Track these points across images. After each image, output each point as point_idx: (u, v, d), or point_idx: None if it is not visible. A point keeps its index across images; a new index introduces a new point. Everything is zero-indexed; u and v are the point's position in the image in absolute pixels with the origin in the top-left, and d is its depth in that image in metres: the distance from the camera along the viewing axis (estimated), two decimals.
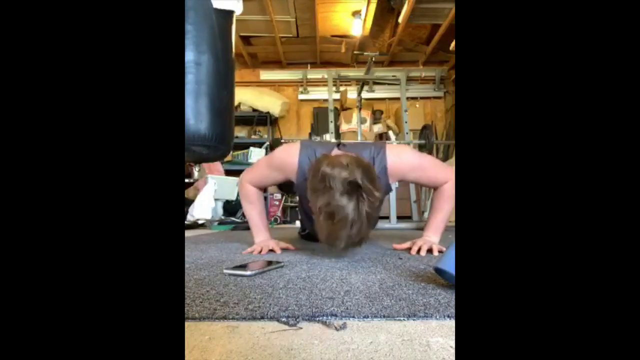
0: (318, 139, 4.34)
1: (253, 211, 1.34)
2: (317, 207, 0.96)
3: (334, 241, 0.96)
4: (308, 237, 1.58)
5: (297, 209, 3.81)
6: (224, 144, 1.24)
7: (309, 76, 4.79)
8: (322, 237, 1.00)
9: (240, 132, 4.58)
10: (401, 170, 1.22)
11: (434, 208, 1.27)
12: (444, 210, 1.24)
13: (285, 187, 1.50)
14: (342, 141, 1.47)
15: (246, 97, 4.44)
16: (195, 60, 1.11)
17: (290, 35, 4.30)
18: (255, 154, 4.20)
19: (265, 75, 5.01)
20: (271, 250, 1.21)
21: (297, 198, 1.75)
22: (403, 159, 1.22)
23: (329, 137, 3.42)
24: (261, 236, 1.31)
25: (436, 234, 1.24)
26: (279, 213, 4.31)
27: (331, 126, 3.39)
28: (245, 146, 4.33)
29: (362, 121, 4.10)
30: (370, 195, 0.93)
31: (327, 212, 0.93)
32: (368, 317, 0.50)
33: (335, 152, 1.18)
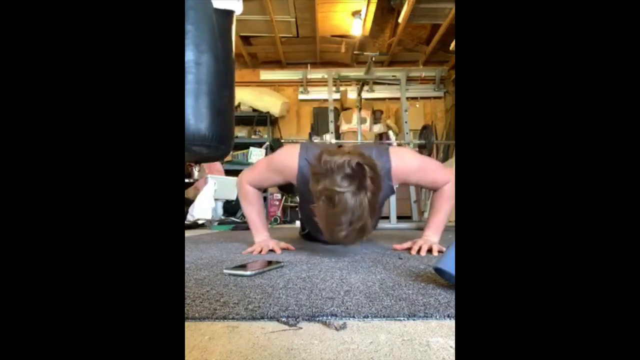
0: (318, 139, 4.34)
1: (252, 212, 1.34)
2: (317, 191, 0.94)
3: (334, 228, 0.94)
4: (308, 237, 1.58)
5: (297, 209, 3.81)
6: (225, 143, 1.24)
7: (309, 76, 4.78)
8: (323, 226, 0.98)
9: (240, 132, 4.57)
10: (404, 172, 1.23)
11: (434, 208, 1.27)
12: (444, 210, 1.25)
13: (286, 188, 1.50)
14: (343, 141, 1.48)
15: (246, 97, 4.44)
16: (196, 60, 1.11)
17: (290, 35, 4.31)
18: (255, 154, 4.20)
19: (265, 75, 5.01)
20: (271, 250, 1.21)
21: (298, 198, 1.75)
22: (406, 162, 1.23)
23: (329, 137, 3.42)
24: (261, 236, 1.31)
25: (436, 234, 1.24)
26: (279, 213, 4.31)
27: (331, 126, 3.39)
28: (245, 146, 4.33)
29: (362, 121, 4.10)
30: (372, 181, 0.92)
31: (327, 196, 0.92)
32: (368, 317, 0.50)
33: None
